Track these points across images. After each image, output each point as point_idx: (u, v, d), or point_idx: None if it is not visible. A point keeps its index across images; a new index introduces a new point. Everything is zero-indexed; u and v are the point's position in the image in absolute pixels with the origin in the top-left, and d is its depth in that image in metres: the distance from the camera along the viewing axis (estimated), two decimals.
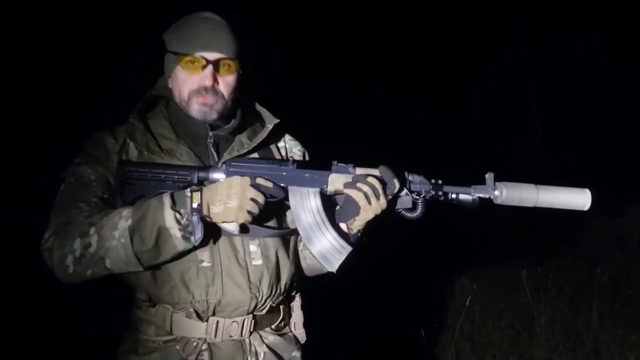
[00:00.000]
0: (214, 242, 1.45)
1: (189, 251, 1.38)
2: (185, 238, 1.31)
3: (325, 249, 1.46)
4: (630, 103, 9.75)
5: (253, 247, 1.50)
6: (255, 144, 1.57)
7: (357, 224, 1.47)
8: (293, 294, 1.67)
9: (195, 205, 1.31)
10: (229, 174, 1.40)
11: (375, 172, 1.46)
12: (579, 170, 8.35)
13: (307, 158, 1.75)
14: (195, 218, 1.31)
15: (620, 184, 7.64)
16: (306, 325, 1.69)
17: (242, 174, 1.40)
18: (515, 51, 10.70)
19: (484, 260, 5.27)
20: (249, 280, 1.48)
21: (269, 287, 1.51)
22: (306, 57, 7.36)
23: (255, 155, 1.59)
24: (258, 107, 1.69)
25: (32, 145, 4.17)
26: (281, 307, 1.61)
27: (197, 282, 1.44)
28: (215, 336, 1.48)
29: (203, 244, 1.37)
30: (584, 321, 4.25)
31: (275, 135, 1.66)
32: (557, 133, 10.18)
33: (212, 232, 1.42)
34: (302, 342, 1.68)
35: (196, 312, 1.46)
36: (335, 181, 1.46)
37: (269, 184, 1.39)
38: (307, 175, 1.46)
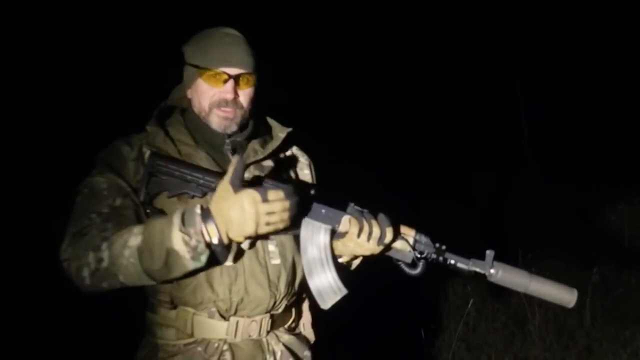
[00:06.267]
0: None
1: (201, 269, 1.36)
2: (194, 259, 1.28)
3: (323, 286, 1.51)
4: (619, 107, 9.87)
5: (272, 247, 1.56)
6: (269, 152, 1.63)
7: (337, 245, 1.54)
8: (303, 295, 1.72)
9: (215, 240, 1.28)
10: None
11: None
12: (568, 170, 8.46)
13: (312, 169, 1.81)
14: (219, 249, 1.31)
15: (611, 183, 7.72)
16: (314, 326, 1.75)
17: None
18: (509, 83, 10.76)
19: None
20: (269, 279, 1.53)
21: (286, 286, 1.56)
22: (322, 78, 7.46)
23: (270, 162, 1.65)
24: (270, 120, 1.75)
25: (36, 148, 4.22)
26: (293, 308, 1.67)
27: (220, 281, 1.48)
28: (236, 336, 1.52)
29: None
30: (577, 320, 4.31)
31: (285, 145, 1.71)
32: (545, 134, 10.25)
33: None
34: (311, 342, 1.74)
35: (219, 311, 1.50)
36: (347, 223, 1.50)
37: (280, 195, 1.32)
38: (323, 211, 1.50)
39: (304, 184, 1.59)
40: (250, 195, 1.28)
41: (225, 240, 1.31)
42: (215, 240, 1.29)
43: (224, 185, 1.31)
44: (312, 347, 1.73)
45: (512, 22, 10.28)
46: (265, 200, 1.29)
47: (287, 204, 1.32)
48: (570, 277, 4.98)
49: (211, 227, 1.28)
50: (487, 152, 9.30)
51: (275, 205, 1.30)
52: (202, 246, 1.28)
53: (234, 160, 1.32)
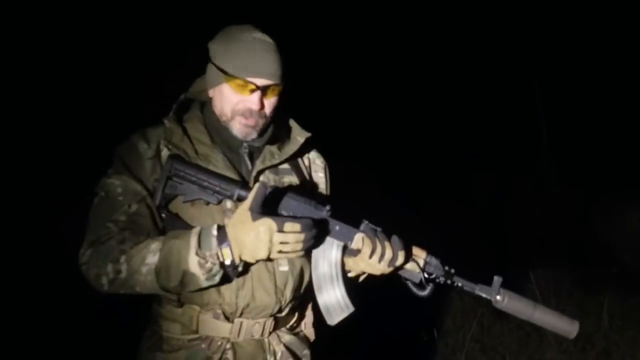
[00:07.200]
0: None
1: (214, 285, 1.39)
2: (209, 279, 1.34)
3: (331, 302, 1.52)
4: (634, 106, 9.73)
5: None
6: (285, 157, 1.61)
7: (348, 261, 1.54)
8: (307, 298, 1.70)
9: (228, 262, 1.33)
10: (265, 205, 1.36)
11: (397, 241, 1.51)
12: (586, 170, 8.36)
13: (327, 172, 1.79)
14: (230, 269, 1.34)
15: (630, 185, 7.61)
16: (315, 324, 1.73)
17: (277, 209, 1.42)
18: (524, 74, 10.63)
19: (492, 261, 5.27)
20: (276, 285, 1.52)
21: (292, 292, 1.56)
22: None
23: (286, 165, 1.64)
24: (290, 121, 1.71)
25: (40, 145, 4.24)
26: (297, 310, 1.66)
27: (228, 286, 1.47)
28: (239, 336, 1.53)
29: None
30: (594, 322, 4.24)
31: (302, 148, 1.68)
32: (562, 133, 10.13)
33: None
34: (311, 341, 1.73)
35: (224, 313, 1.51)
36: (360, 241, 1.50)
37: (297, 228, 1.33)
38: (337, 227, 1.50)
39: (316, 202, 1.53)
40: (266, 224, 1.30)
41: (237, 262, 1.34)
42: (227, 262, 1.33)
43: (243, 211, 1.32)
44: (312, 346, 1.72)
45: (513, 21, 10.17)
46: (280, 230, 1.30)
47: (301, 236, 1.33)
48: (588, 279, 4.91)
49: (225, 250, 1.32)
50: (493, 152, 9.22)
51: (289, 237, 1.31)
52: (216, 268, 1.33)
53: (256, 186, 1.34)
